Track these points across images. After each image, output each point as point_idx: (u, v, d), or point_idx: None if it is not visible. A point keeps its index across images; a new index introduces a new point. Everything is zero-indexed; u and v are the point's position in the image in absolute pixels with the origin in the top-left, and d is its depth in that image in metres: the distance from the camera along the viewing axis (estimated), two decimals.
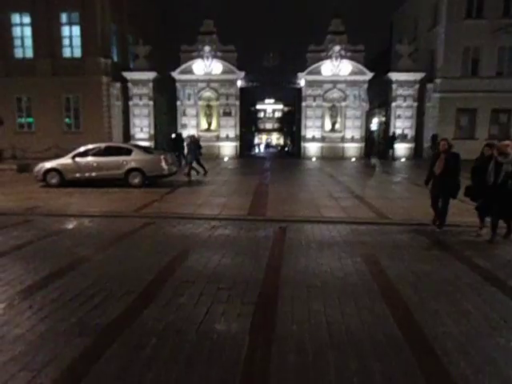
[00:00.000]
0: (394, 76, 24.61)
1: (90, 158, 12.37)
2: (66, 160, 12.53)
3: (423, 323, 3.57)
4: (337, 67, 24.80)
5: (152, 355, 3.03)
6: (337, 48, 24.59)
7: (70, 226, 7.48)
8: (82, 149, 12.68)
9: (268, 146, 41.56)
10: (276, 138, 73.13)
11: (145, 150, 13.50)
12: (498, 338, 3.34)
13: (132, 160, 12.28)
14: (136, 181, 12.26)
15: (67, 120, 25.46)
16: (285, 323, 3.55)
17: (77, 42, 24.61)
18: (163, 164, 12.44)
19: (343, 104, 25.43)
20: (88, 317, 3.64)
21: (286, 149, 47.81)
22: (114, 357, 3.00)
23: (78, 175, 12.34)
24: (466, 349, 3.16)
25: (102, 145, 13.15)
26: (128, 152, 12.48)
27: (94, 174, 12.28)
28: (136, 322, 3.55)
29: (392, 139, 24.51)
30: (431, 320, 3.64)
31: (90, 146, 12.76)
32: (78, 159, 12.36)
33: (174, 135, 21.00)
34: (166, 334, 3.34)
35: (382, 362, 2.96)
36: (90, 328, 3.43)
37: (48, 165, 12.60)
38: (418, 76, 24.45)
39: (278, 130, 72.79)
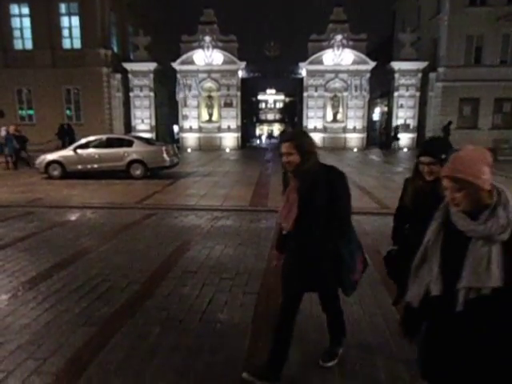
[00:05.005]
0: (396, 65, 24.40)
1: (91, 150, 12.37)
2: (68, 152, 12.54)
3: None
4: (338, 57, 24.58)
5: (155, 344, 3.06)
6: (338, 37, 24.34)
7: (73, 217, 7.51)
8: (83, 141, 12.69)
9: (270, 136, 47.72)
10: (278, 129, 72.89)
11: (146, 141, 13.48)
12: None
13: (133, 152, 12.26)
14: (137, 172, 12.25)
15: (68, 112, 25.41)
16: None
17: (76, 32, 24.50)
18: (165, 155, 12.41)
19: (345, 94, 25.26)
20: (92, 307, 3.67)
21: None
22: (117, 346, 3.03)
23: (79, 167, 12.34)
24: None
25: (104, 136, 13.15)
26: (129, 143, 12.46)
27: (95, 166, 12.28)
28: (139, 311, 3.58)
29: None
30: None
31: (91, 138, 12.76)
32: (79, 151, 12.35)
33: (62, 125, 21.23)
34: (169, 324, 3.36)
35: (384, 353, 2.97)
36: (94, 318, 3.46)
37: (50, 157, 12.62)
38: (421, 65, 24.24)
39: (280, 121, 72.52)
